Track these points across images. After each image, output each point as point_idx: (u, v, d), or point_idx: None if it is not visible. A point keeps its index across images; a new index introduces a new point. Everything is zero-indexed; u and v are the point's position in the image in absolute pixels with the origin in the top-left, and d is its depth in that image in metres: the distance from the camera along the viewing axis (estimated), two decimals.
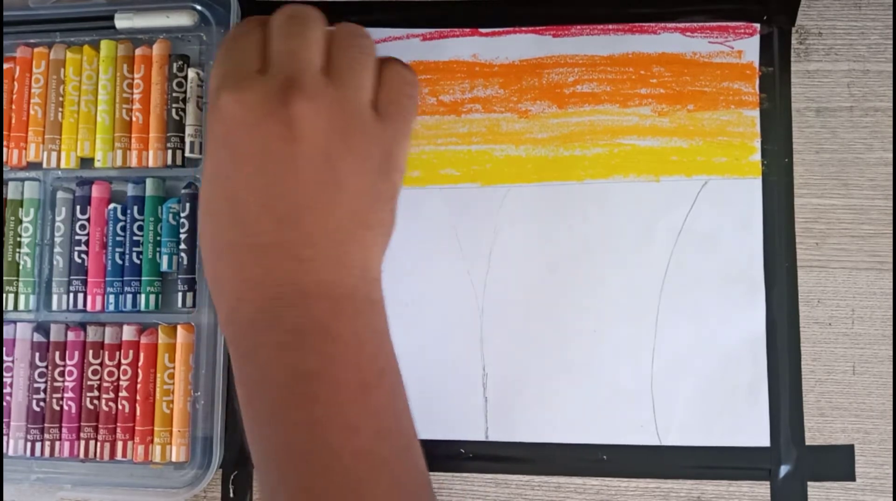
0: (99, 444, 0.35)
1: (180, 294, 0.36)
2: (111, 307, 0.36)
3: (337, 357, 0.27)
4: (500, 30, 0.36)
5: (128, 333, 0.36)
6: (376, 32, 0.37)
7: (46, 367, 0.36)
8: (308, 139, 0.27)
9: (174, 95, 0.36)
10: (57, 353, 0.36)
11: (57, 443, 0.35)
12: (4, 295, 0.36)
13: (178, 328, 0.35)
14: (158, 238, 0.36)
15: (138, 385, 0.35)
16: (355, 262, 0.28)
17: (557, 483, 0.35)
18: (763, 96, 0.35)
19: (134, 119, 0.36)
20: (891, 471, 0.33)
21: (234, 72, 0.28)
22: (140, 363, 0.35)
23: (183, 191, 0.36)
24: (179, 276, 0.36)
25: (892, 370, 0.34)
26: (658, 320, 0.34)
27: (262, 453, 0.28)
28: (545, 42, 0.36)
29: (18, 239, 0.36)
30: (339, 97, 0.27)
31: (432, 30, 0.37)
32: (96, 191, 0.36)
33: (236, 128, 0.27)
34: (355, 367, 0.27)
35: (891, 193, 0.35)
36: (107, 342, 0.36)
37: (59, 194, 0.37)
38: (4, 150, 0.37)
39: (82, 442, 0.35)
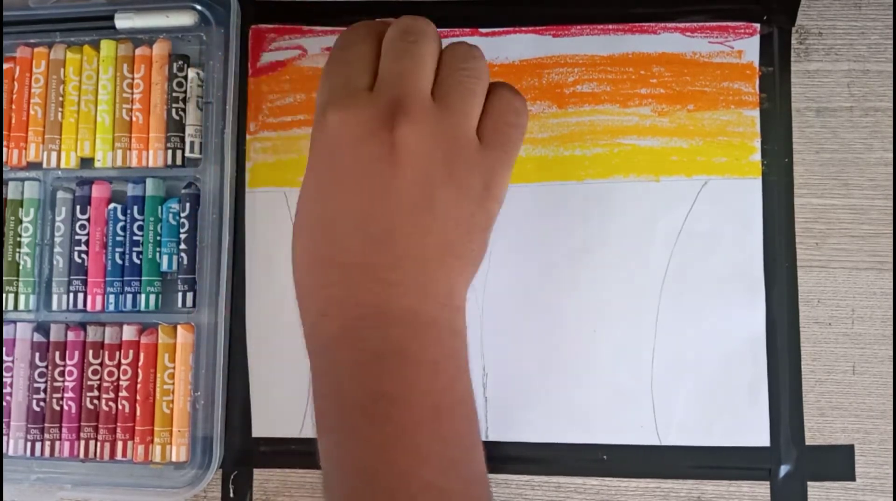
0: (99, 444, 0.35)
1: (180, 294, 0.36)
2: (111, 307, 0.36)
3: (413, 383, 0.27)
4: (500, 30, 0.36)
5: (128, 333, 0.36)
6: None
7: (46, 367, 0.36)
8: (409, 164, 0.26)
9: (174, 95, 0.36)
10: (57, 353, 0.36)
11: (57, 443, 0.35)
12: (4, 295, 0.36)
13: (178, 328, 0.35)
14: (158, 238, 0.36)
15: (138, 385, 0.35)
16: (440, 290, 0.28)
17: (557, 483, 0.35)
18: (763, 96, 0.35)
19: (134, 119, 0.36)
20: (891, 471, 0.33)
21: (342, 88, 0.28)
22: (140, 363, 0.35)
23: (183, 191, 0.36)
24: (179, 276, 0.36)
25: (892, 370, 0.34)
26: (658, 320, 0.34)
27: (331, 464, 0.28)
28: (545, 42, 0.36)
29: (18, 239, 0.36)
30: (445, 123, 0.27)
31: None
32: (96, 191, 0.36)
33: (340, 146, 0.27)
34: (430, 394, 0.27)
35: (891, 193, 0.35)
36: (107, 342, 0.36)
37: (59, 194, 0.37)
38: (4, 150, 0.37)
39: (82, 442, 0.35)
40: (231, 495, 0.36)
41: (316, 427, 0.28)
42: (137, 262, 0.36)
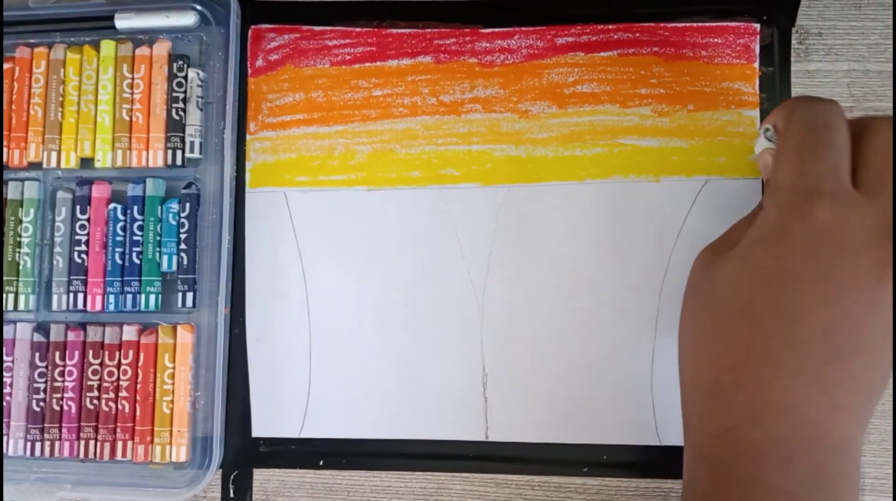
0: (99, 444, 0.35)
1: (180, 294, 0.36)
2: (111, 307, 0.36)
3: None
4: (501, 30, 0.36)
5: (128, 333, 0.36)
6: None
7: (46, 367, 0.36)
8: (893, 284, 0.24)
9: (174, 94, 0.36)
10: (57, 353, 0.36)
11: (57, 443, 0.35)
12: (4, 295, 0.36)
13: (178, 328, 0.35)
14: (158, 238, 0.36)
15: (138, 385, 0.35)
16: (867, 420, 0.25)
17: (557, 483, 0.35)
18: (763, 96, 0.35)
19: (134, 119, 0.36)
20: (891, 471, 0.33)
21: (828, 180, 0.25)
22: (140, 363, 0.35)
23: (183, 191, 0.36)
24: (179, 276, 0.36)
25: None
26: (658, 320, 0.34)
27: None
28: (545, 42, 0.36)
29: (18, 239, 0.36)
30: None
31: (433, 30, 0.37)
32: (96, 191, 0.36)
33: (826, 245, 0.25)
34: None
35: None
36: (107, 342, 0.36)
37: (59, 194, 0.37)
38: (4, 150, 0.37)
39: (82, 442, 0.35)
40: (231, 495, 0.36)
41: None
42: (137, 262, 0.36)
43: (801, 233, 0.25)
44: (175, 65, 0.37)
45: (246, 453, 0.36)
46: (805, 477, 0.24)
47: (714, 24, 0.35)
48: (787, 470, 0.24)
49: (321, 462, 0.35)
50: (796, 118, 0.26)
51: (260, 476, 0.36)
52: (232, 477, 0.36)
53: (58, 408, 0.36)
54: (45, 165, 0.37)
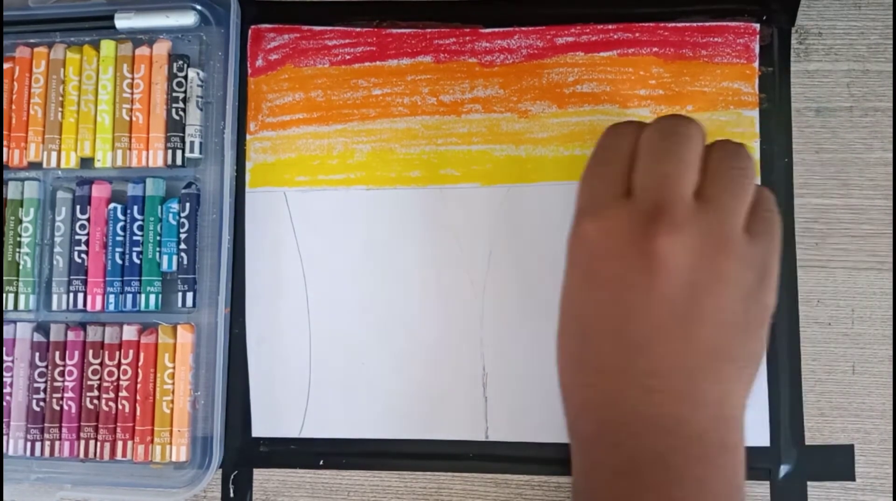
0: (99, 444, 0.35)
1: (180, 294, 0.36)
2: (111, 307, 0.36)
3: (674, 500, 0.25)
4: (501, 30, 0.36)
5: (128, 333, 0.36)
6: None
7: (46, 367, 0.36)
8: (670, 273, 0.25)
9: (174, 94, 0.36)
10: (57, 353, 0.36)
11: (57, 443, 0.35)
12: (4, 295, 0.36)
13: (178, 328, 0.35)
14: (159, 238, 0.36)
15: (138, 385, 0.35)
16: (709, 399, 0.26)
17: (557, 483, 0.35)
18: (763, 96, 0.35)
19: (134, 119, 0.36)
20: (891, 471, 0.33)
21: (599, 194, 0.27)
22: (140, 363, 0.35)
23: (183, 191, 0.36)
24: (179, 276, 0.36)
25: (892, 370, 0.34)
26: None
27: None
28: (545, 42, 0.36)
29: (18, 239, 0.36)
30: (711, 226, 0.26)
31: (433, 30, 0.37)
32: (96, 191, 0.36)
33: (595, 255, 0.27)
34: None
35: (891, 193, 0.35)
36: (107, 341, 0.36)
37: (59, 194, 0.37)
38: (4, 150, 0.37)
39: (82, 442, 0.35)
40: (231, 495, 0.36)
41: None
42: (137, 262, 0.36)
43: (575, 250, 0.28)
44: (175, 65, 0.37)
45: (246, 453, 0.36)
46: (635, 454, 0.26)
47: (714, 23, 0.35)
48: (618, 452, 0.26)
49: (321, 462, 0.36)
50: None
51: (260, 476, 0.36)
52: (232, 477, 0.36)
53: (58, 408, 0.36)
54: (45, 165, 0.37)
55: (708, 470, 0.26)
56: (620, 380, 0.26)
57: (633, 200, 0.26)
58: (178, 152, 0.36)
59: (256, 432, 0.36)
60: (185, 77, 0.37)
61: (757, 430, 0.34)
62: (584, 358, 0.27)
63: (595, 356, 0.27)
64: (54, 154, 0.37)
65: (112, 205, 0.36)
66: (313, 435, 0.36)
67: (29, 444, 0.35)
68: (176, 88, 0.36)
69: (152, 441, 0.35)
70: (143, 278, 0.36)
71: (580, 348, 0.28)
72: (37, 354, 0.36)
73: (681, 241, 0.25)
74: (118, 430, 0.35)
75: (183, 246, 0.36)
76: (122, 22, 0.37)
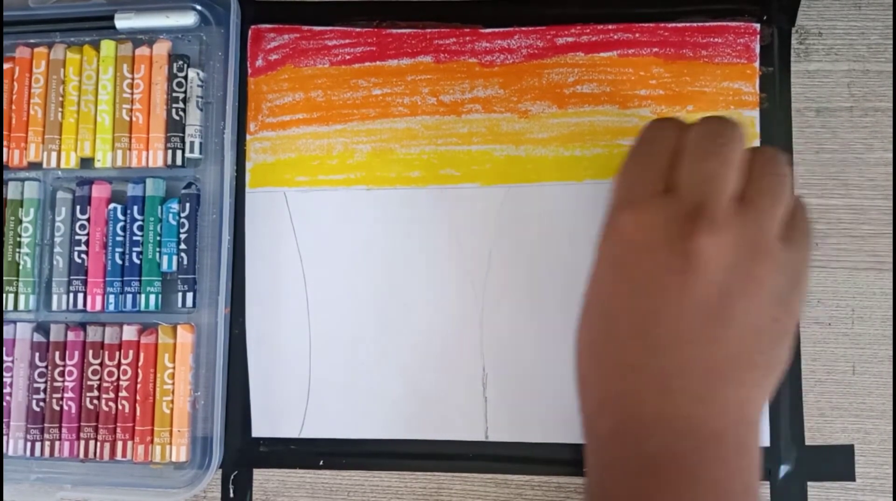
0: (99, 444, 0.35)
1: (180, 294, 0.36)
2: (111, 307, 0.36)
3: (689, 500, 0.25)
4: (501, 30, 0.36)
5: (128, 333, 0.36)
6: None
7: (46, 367, 0.36)
8: (705, 274, 0.25)
9: (174, 95, 0.36)
10: (57, 353, 0.36)
11: (57, 443, 0.35)
12: (4, 295, 0.36)
13: (178, 328, 0.35)
14: (159, 238, 0.36)
15: (138, 385, 0.35)
16: (730, 403, 0.26)
17: (558, 483, 0.35)
18: (763, 96, 0.35)
19: (134, 119, 0.36)
20: (891, 471, 0.33)
21: (638, 188, 0.27)
22: (140, 363, 0.35)
23: (183, 191, 0.36)
24: (179, 276, 0.36)
25: (892, 370, 0.34)
26: None
27: None
28: (545, 42, 0.36)
29: (18, 239, 0.36)
30: (749, 229, 0.26)
31: (433, 30, 0.37)
32: (96, 191, 0.36)
33: (629, 249, 0.26)
34: None
35: (891, 193, 0.35)
36: (107, 342, 0.36)
37: (59, 194, 0.37)
38: (4, 150, 0.37)
39: (82, 442, 0.35)
40: (231, 495, 0.36)
41: None
42: (137, 262, 0.36)
43: (609, 242, 0.28)
44: (175, 65, 0.37)
45: (246, 453, 0.36)
46: (652, 453, 0.26)
47: (714, 24, 0.35)
48: (635, 449, 0.26)
49: (321, 462, 0.36)
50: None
51: (260, 476, 0.36)
52: (232, 477, 0.36)
53: (58, 408, 0.36)
54: (45, 165, 0.37)
55: (724, 472, 0.26)
56: (642, 378, 0.26)
57: (675, 196, 0.26)
58: (178, 152, 0.36)
59: (256, 432, 0.36)
60: (185, 77, 0.37)
61: None
62: (607, 352, 0.27)
63: (618, 351, 0.27)
64: (54, 154, 0.37)
65: (112, 205, 0.36)
66: (313, 435, 0.36)
67: (29, 444, 0.35)
68: (176, 88, 0.36)
69: (152, 442, 0.35)
70: (142, 278, 0.36)
71: (604, 342, 0.27)
72: (37, 354, 0.36)
73: (719, 241, 0.25)
74: (118, 430, 0.35)
75: (183, 246, 0.36)
76: (122, 22, 0.37)
